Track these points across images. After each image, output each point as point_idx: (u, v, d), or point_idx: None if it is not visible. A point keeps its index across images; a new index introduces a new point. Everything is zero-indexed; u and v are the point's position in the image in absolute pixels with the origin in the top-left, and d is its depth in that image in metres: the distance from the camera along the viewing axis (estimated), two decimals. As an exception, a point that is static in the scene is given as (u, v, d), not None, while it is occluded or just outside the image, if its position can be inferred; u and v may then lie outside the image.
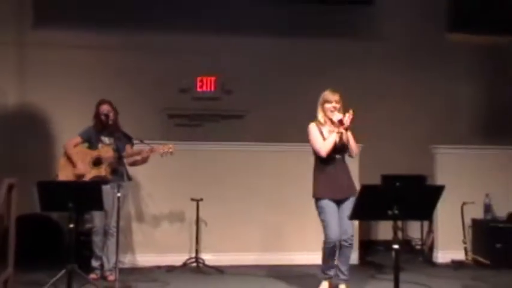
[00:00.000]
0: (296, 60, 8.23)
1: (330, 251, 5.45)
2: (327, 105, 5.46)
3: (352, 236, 5.51)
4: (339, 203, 5.44)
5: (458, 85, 8.73)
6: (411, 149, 8.13)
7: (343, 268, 5.50)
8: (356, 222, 6.60)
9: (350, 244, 5.47)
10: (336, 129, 5.37)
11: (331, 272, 5.55)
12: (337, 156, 5.46)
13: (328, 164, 5.44)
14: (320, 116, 5.55)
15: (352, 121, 5.28)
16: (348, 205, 5.31)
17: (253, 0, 8.13)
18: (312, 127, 5.53)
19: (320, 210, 5.45)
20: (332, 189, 5.42)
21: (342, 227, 5.42)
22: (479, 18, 7.56)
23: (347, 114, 5.29)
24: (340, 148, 5.42)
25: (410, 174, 7.78)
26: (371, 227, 8.23)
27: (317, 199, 5.48)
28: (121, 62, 7.99)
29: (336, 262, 5.54)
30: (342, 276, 5.52)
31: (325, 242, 5.45)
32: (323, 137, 5.44)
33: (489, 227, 7.39)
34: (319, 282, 5.59)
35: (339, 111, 5.43)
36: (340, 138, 5.39)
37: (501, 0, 7.56)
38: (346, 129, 5.36)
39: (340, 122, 5.31)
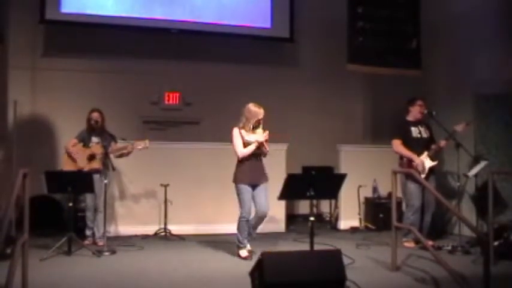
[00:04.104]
0: (238, 81, 8.20)
1: (245, 224, 5.41)
2: (255, 122, 5.44)
3: (266, 210, 5.44)
4: (253, 187, 5.41)
5: (355, 102, 8.84)
6: (323, 147, 8.19)
7: (254, 232, 5.55)
8: (283, 201, 6.75)
9: (264, 216, 5.46)
10: (255, 144, 5.36)
11: (246, 241, 5.49)
12: (257, 152, 5.44)
13: (248, 158, 5.42)
14: (249, 125, 5.45)
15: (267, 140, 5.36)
16: (261, 189, 5.40)
17: (206, 37, 8.13)
18: (235, 132, 5.44)
19: (238, 192, 5.40)
20: (249, 177, 5.39)
21: (258, 205, 5.41)
22: (367, 54, 7.82)
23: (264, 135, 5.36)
24: (258, 149, 5.42)
25: (322, 165, 7.90)
26: (294, 204, 8.28)
27: (237, 184, 5.42)
28: (109, 82, 7.83)
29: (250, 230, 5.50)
30: (251, 235, 5.54)
31: (241, 217, 5.40)
32: (243, 140, 5.38)
33: (375, 203, 7.66)
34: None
35: (259, 125, 5.45)
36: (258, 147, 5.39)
37: (382, 42, 7.85)
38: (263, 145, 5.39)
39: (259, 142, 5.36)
